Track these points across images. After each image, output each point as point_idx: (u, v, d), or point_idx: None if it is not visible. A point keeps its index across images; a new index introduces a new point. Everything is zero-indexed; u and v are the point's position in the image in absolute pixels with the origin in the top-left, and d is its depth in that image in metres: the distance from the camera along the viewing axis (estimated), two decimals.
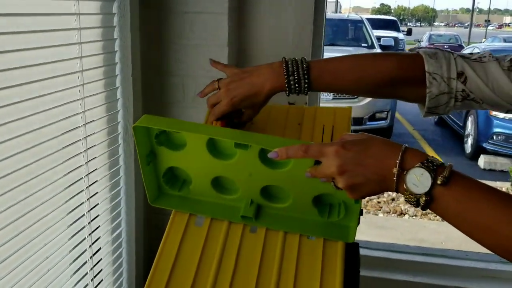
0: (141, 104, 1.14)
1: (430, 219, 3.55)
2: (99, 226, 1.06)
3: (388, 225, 3.42)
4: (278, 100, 1.12)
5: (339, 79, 0.79)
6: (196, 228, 0.79)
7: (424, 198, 0.58)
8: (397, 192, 0.62)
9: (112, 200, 1.11)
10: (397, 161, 0.59)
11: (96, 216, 1.04)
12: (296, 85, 0.77)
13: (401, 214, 3.68)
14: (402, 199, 3.86)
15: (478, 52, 0.79)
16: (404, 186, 0.59)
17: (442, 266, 1.32)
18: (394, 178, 0.60)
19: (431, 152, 5.55)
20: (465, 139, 5.55)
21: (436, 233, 3.22)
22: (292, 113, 0.95)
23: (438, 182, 0.57)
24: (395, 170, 0.59)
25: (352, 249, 0.79)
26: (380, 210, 3.77)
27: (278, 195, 0.79)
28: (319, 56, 1.26)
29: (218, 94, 0.79)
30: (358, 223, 0.78)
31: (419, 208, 0.60)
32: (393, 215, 3.69)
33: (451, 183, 0.57)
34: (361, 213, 0.79)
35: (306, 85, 0.77)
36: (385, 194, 3.94)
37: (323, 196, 0.77)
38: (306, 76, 0.77)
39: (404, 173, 0.59)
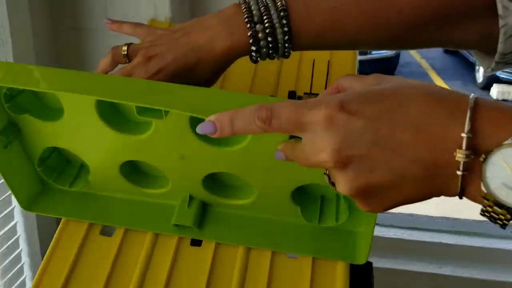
0: (32, 32, 0.76)
1: None
2: None
3: None
4: None
5: (340, 24, 0.45)
6: (102, 240, 0.50)
7: None
8: (461, 197, 0.31)
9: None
10: (464, 134, 0.29)
11: None
12: (270, 39, 0.45)
13: None
14: None
15: None
16: (482, 187, 0.29)
17: (481, 251, 0.99)
18: (459, 173, 0.29)
19: (440, 83, 5.25)
20: (477, 67, 5.27)
21: None
22: None
23: None
24: (459, 155, 0.29)
25: (361, 271, 0.49)
26: None
27: (233, 184, 0.50)
28: None
29: (128, 70, 0.47)
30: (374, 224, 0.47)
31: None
32: None
33: None
34: None
35: (286, 37, 0.45)
36: None
37: (310, 185, 0.47)
38: (284, 22, 0.44)
39: (481, 159, 0.29)
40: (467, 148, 0.29)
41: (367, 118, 0.30)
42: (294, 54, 0.59)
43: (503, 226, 0.30)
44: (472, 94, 0.30)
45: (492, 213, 0.29)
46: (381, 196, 0.32)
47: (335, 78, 0.59)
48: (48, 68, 0.42)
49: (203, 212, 0.50)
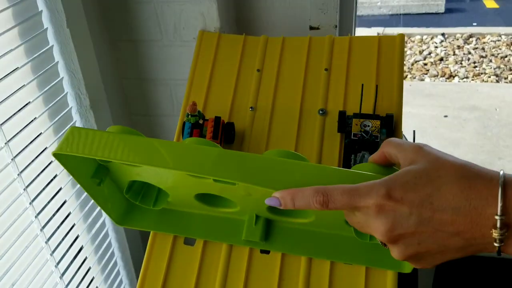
0: (93, 48, 0.87)
1: (483, 80, 3.40)
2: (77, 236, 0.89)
3: (436, 92, 3.25)
4: (296, 21, 0.93)
5: None
6: (186, 250, 0.63)
7: None
8: (499, 255, 0.39)
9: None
10: (497, 216, 0.36)
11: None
12: None
13: (451, 76, 3.49)
14: (452, 58, 3.65)
15: None
16: None
17: None
18: (496, 245, 0.37)
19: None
20: None
21: (490, 98, 3.12)
22: (316, 49, 0.77)
23: None
24: (495, 234, 0.37)
25: (407, 276, 0.61)
26: (426, 73, 3.54)
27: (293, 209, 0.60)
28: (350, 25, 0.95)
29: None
30: None
31: None
32: (441, 79, 3.48)
33: None
34: None
35: None
36: (432, 54, 3.72)
37: None
38: None
39: None
40: (501, 227, 0.36)
41: (411, 204, 0.39)
42: (340, 65, 0.73)
43: None
44: (501, 172, 0.38)
45: None
46: (429, 258, 0.41)
47: (383, 94, 0.70)
48: (130, 138, 0.51)
49: (269, 226, 0.60)
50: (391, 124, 0.66)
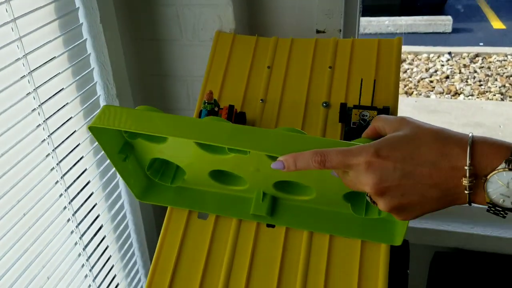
0: (121, 44, 0.96)
1: (488, 98, 3.45)
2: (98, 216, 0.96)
3: (441, 109, 3.31)
4: (303, 25, 1.00)
5: None
6: (199, 223, 0.70)
7: None
8: (470, 204, 0.48)
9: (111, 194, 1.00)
10: (466, 167, 0.45)
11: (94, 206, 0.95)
12: None
13: (456, 94, 3.55)
14: (457, 77, 3.72)
15: None
16: (486, 197, 0.46)
17: None
18: (466, 192, 0.46)
19: (492, 17, 5.03)
20: None
21: (494, 115, 3.17)
22: (321, 49, 0.85)
23: None
24: (465, 182, 0.45)
25: (399, 249, 0.68)
26: (432, 90, 3.59)
27: (297, 187, 0.67)
28: (353, 29, 1.03)
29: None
30: None
31: None
32: (446, 96, 3.54)
33: None
34: None
35: None
36: (438, 72, 3.78)
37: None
38: None
39: (482, 180, 0.45)
40: (470, 176, 0.45)
41: (395, 160, 0.47)
42: (343, 63, 0.81)
43: (504, 217, 0.47)
44: (470, 134, 0.47)
45: (494, 211, 0.46)
46: (411, 210, 0.49)
47: (380, 92, 0.78)
48: (156, 114, 0.58)
49: (274, 203, 0.68)
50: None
